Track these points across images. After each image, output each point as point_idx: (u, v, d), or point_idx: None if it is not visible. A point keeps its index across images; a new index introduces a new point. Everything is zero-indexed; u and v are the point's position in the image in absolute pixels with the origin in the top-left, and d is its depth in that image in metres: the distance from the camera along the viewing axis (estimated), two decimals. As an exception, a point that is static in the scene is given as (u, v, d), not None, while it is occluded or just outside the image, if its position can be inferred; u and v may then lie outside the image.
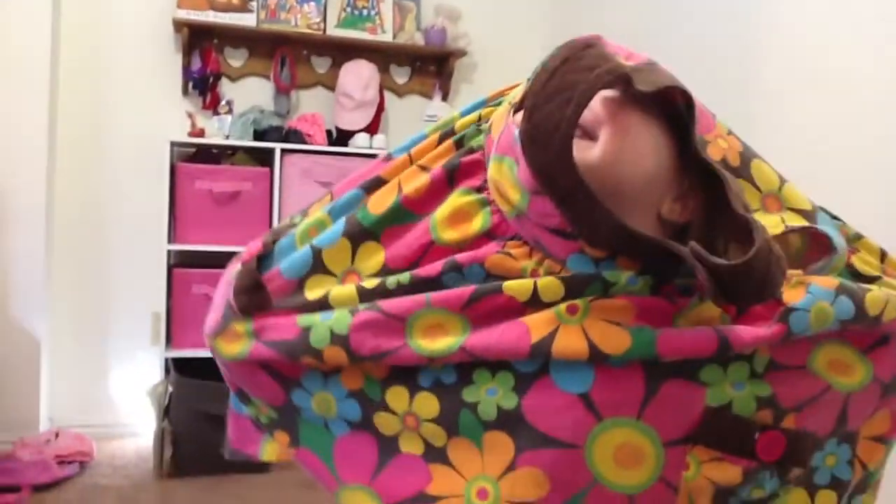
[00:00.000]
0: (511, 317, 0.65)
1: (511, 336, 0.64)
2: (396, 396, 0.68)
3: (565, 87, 0.61)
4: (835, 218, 0.76)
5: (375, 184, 0.76)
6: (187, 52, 3.38)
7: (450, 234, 0.71)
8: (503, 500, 0.63)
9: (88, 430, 3.21)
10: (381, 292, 0.69)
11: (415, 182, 0.74)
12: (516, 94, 0.71)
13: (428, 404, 0.67)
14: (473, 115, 0.78)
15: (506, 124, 0.68)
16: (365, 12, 3.57)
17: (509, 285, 0.65)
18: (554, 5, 3.73)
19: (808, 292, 0.65)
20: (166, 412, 2.97)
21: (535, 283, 0.65)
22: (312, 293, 0.71)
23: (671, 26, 2.84)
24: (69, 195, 3.35)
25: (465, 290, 0.66)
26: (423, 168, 0.75)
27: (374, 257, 0.72)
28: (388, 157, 0.79)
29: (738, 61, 2.49)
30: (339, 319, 0.68)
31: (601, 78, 0.61)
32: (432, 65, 3.75)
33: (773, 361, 0.65)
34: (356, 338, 0.67)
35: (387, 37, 3.58)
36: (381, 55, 3.63)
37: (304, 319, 0.69)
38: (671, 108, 0.68)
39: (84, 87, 3.36)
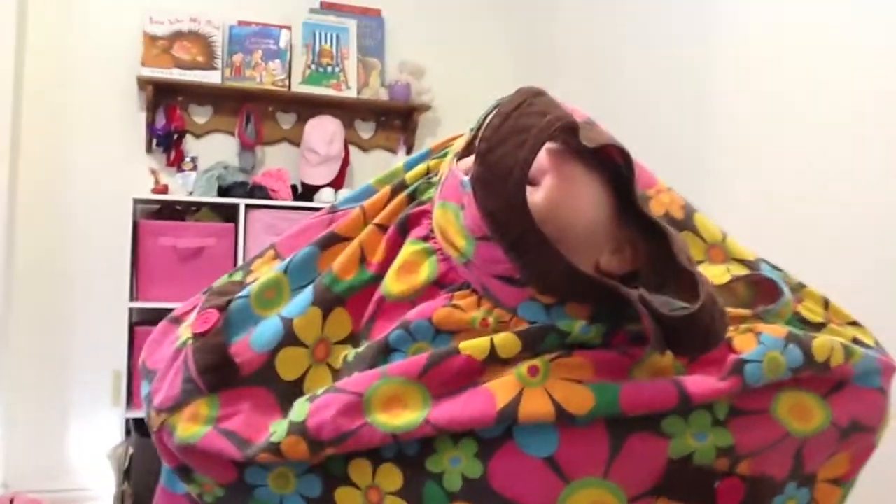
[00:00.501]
0: (471, 377, 0.65)
1: (476, 405, 0.63)
2: (359, 469, 0.66)
3: (519, 130, 0.62)
4: (776, 269, 0.78)
5: (330, 240, 0.74)
6: (152, 109, 3.38)
7: (398, 287, 0.71)
8: None
9: (46, 494, 3.11)
10: (345, 367, 0.70)
11: (377, 246, 0.74)
12: (460, 144, 0.74)
13: (391, 476, 0.65)
14: (422, 167, 0.78)
15: (449, 171, 0.69)
16: (329, 69, 3.61)
17: (465, 346, 0.65)
18: (516, 61, 3.80)
19: (759, 342, 0.67)
20: (126, 474, 2.90)
21: (491, 341, 0.65)
22: (286, 372, 0.68)
23: (627, 85, 2.90)
24: (30, 252, 3.30)
25: (421, 357, 0.65)
26: (381, 227, 0.75)
27: (343, 324, 0.72)
28: (333, 210, 0.78)
29: (691, 119, 2.55)
30: (298, 410, 0.66)
31: (552, 124, 0.62)
32: (397, 119, 3.78)
33: (735, 408, 0.66)
34: (314, 422, 0.64)
35: (351, 93, 3.62)
36: (346, 111, 3.67)
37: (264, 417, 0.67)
38: (610, 165, 0.70)
39: (47, 144, 3.34)
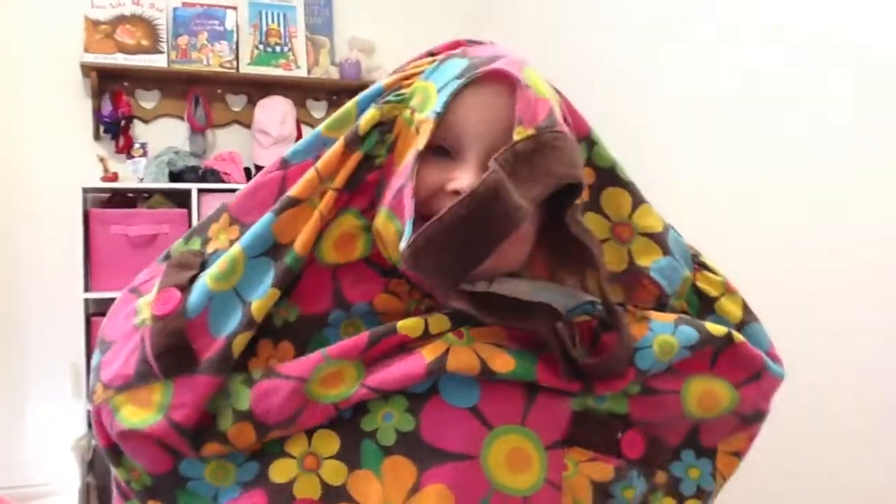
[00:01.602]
0: (404, 348, 0.68)
1: (408, 365, 0.66)
2: (294, 441, 0.67)
3: (462, 243, 0.61)
4: (679, 237, 0.80)
5: (285, 205, 0.69)
6: (97, 95, 3.32)
7: (332, 257, 0.70)
8: None
9: (9, 491, 3.08)
10: (269, 331, 0.69)
11: (331, 213, 0.70)
12: (415, 96, 0.70)
13: (327, 441, 0.67)
14: (373, 113, 0.70)
15: (407, 168, 0.66)
16: (278, 49, 3.57)
17: (403, 325, 0.67)
18: (466, 32, 3.78)
19: (649, 329, 0.71)
20: (91, 466, 2.88)
21: (425, 321, 0.68)
22: (237, 353, 0.66)
23: (579, 62, 2.92)
24: (-23, 247, 3.23)
25: (360, 338, 0.67)
26: (339, 191, 0.70)
27: (283, 301, 0.70)
28: (285, 164, 0.73)
29: (638, 93, 2.58)
30: (237, 396, 0.65)
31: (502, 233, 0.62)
32: (348, 97, 3.67)
33: (647, 387, 0.71)
34: (260, 409, 0.65)
35: (301, 72, 3.58)
36: (297, 90, 3.63)
37: (213, 403, 0.65)
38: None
39: (-11, 136, 3.26)
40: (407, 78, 0.73)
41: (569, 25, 3.03)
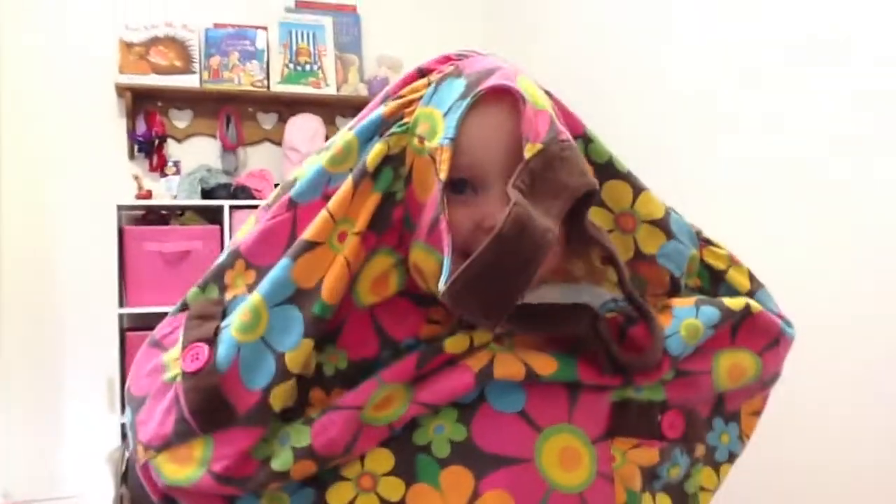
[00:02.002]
0: (451, 364, 0.69)
1: (455, 377, 0.68)
2: (348, 463, 0.67)
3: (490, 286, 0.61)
4: (681, 217, 0.81)
5: (303, 249, 0.67)
6: (131, 115, 3.39)
7: (370, 299, 0.70)
8: None
9: (46, 502, 3.13)
10: (321, 381, 0.69)
11: (359, 256, 0.69)
12: (420, 124, 0.69)
13: (381, 459, 0.68)
14: (380, 148, 0.69)
15: (435, 200, 0.65)
16: (308, 67, 3.62)
17: (449, 343, 0.69)
18: (492, 50, 3.81)
19: (673, 316, 0.74)
20: (124, 478, 2.91)
21: (470, 337, 0.70)
22: (278, 405, 0.65)
23: (608, 77, 2.93)
24: (17, 263, 3.31)
25: (410, 360, 0.68)
26: (360, 235, 0.68)
27: (330, 348, 0.70)
28: (293, 204, 0.71)
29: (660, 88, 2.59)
30: (298, 436, 0.65)
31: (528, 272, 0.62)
32: (377, 115, 3.78)
33: (680, 370, 0.74)
34: (320, 442, 0.64)
35: (331, 90, 3.63)
36: (327, 108, 3.68)
37: (259, 451, 0.65)
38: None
39: (28, 156, 3.34)
40: (407, 105, 0.71)
41: (601, 28, 3.04)
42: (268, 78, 3.56)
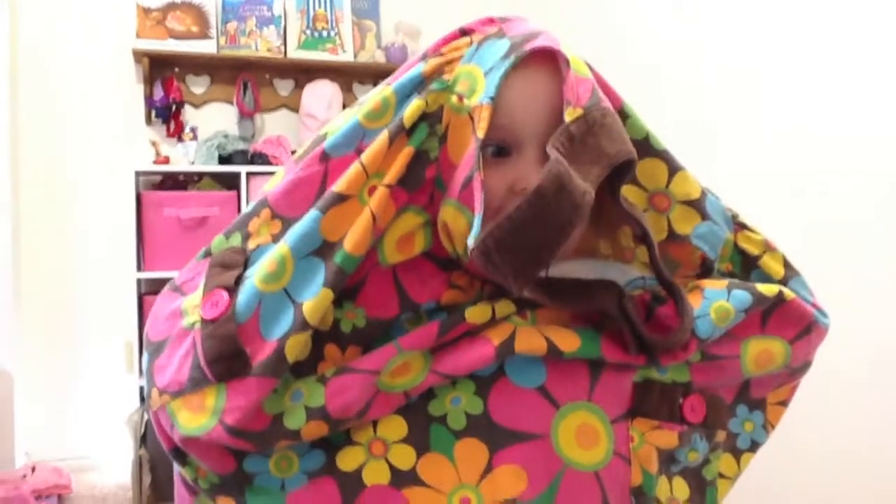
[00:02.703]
0: (471, 335, 0.68)
1: (475, 349, 0.67)
2: (360, 428, 0.67)
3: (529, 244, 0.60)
4: (717, 199, 0.79)
5: (332, 202, 0.66)
6: (149, 81, 3.40)
7: (395, 258, 0.69)
8: (487, 502, 0.65)
9: (66, 462, 3.18)
10: (337, 337, 0.68)
11: (389, 213, 0.67)
12: (459, 82, 0.68)
13: (394, 426, 0.67)
14: (418, 104, 0.68)
15: (471, 158, 0.64)
16: (325, 33, 3.60)
17: (471, 312, 0.68)
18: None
19: (703, 297, 0.72)
20: (143, 440, 2.96)
21: (492, 307, 0.69)
22: (293, 356, 0.64)
23: (630, 61, 2.90)
24: (35, 227, 3.34)
25: (431, 328, 0.67)
26: (390, 188, 0.67)
27: (348, 304, 0.69)
28: (326, 157, 0.70)
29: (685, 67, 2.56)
30: (311, 394, 0.64)
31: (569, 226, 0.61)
32: (394, 82, 3.77)
33: (707, 354, 0.73)
34: (335, 405, 0.64)
35: (348, 56, 3.62)
36: (344, 74, 3.67)
37: (271, 405, 0.64)
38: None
39: (46, 121, 3.35)
40: (447, 63, 0.70)
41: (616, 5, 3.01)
42: (285, 44, 3.55)
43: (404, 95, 0.70)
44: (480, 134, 0.63)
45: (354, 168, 0.67)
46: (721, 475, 0.78)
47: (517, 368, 0.69)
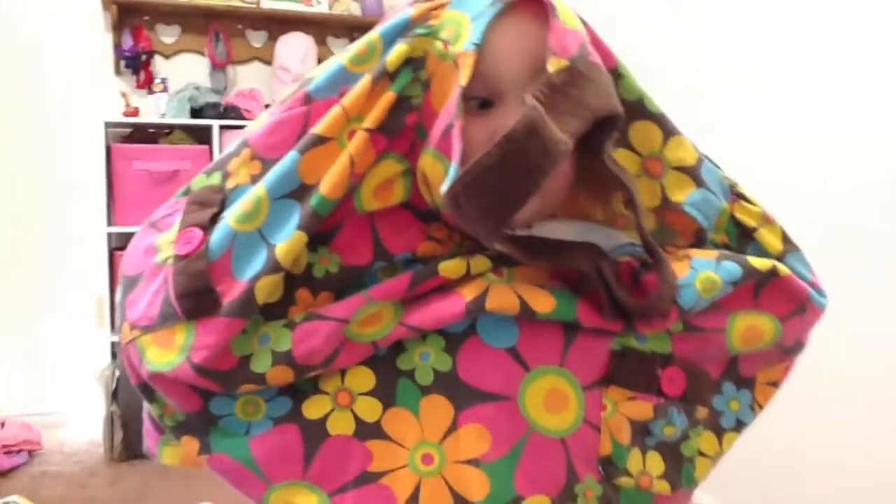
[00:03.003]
0: (444, 290, 0.67)
1: (446, 303, 0.66)
2: (328, 377, 0.66)
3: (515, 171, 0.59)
4: (717, 167, 0.77)
5: (311, 143, 0.66)
6: (118, 29, 3.31)
7: (373, 205, 0.68)
8: (449, 461, 0.65)
9: (36, 418, 3.16)
10: (309, 281, 0.67)
11: (367, 157, 0.66)
12: (445, 28, 0.66)
13: (362, 378, 0.66)
14: (402, 49, 0.67)
15: (452, 106, 0.63)
16: (299, -16, 3.53)
17: (444, 266, 0.66)
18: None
19: (691, 267, 0.70)
20: (114, 396, 2.94)
21: (467, 262, 0.67)
22: (262, 298, 0.64)
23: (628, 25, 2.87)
24: (3, 181, 3.28)
25: (403, 279, 0.66)
26: (369, 132, 0.66)
27: (322, 249, 0.68)
28: (308, 99, 0.69)
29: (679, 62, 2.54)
30: (278, 339, 0.64)
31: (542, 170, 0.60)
32: (370, 35, 3.72)
33: (690, 324, 0.70)
34: (301, 351, 0.63)
35: (322, 8, 3.55)
36: (318, 27, 3.60)
37: (239, 346, 0.63)
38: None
39: (12, 70, 3.27)
40: (435, 8, 0.69)
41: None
42: (258, -6, 3.47)
43: (390, 40, 0.69)
44: (463, 82, 0.62)
45: (335, 111, 0.67)
46: (701, 453, 0.74)
47: (489, 327, 0.67)
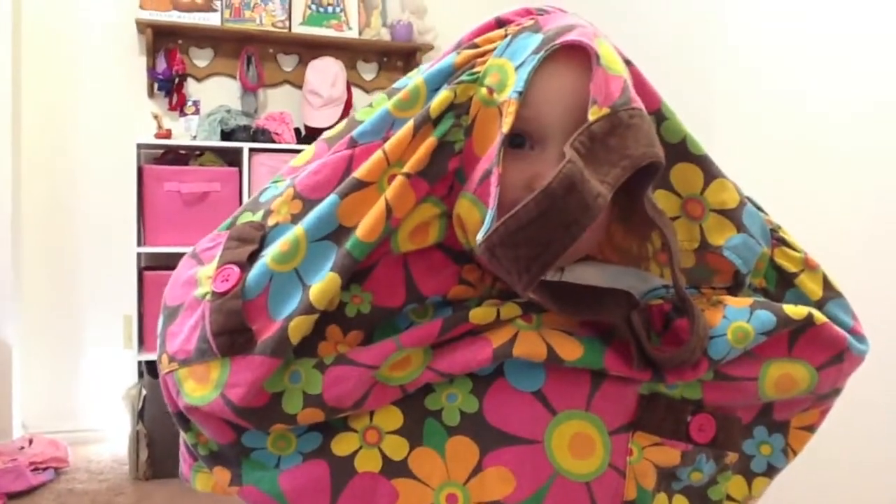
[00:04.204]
0: (472, 334, 0.67)
1: (473, 349, 0.66)
2: (358, 415, 0.67)
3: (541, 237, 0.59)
4: (760, 210, 0.76)
5: (351, 188, 0.67)
6: (152, 53, 3.37)
7: (407, 246, 0.68)
8: (472, 502, 0.65)
9: (63, 435, 3.20)
10: (340, 319, 0.67)
11: (404, 202, 0.66)
12: (490, 74, 0.67)
13: (390, 417, 0.67)
14: (446, 95, 0.67)
15: (493, 152, 0.63)
16: (330, 9, 3.57)
17: (475, 314, 0.67)
18: (519, -2, 3.75)
19: (724, 316, 0.68)
20: (140, 415, 2.96)
21: (497, 310, 0.67)
22: (296, 337, 0.64)
23: (638, 33, 2.87)
24: (36, 200, 3.33)
25: (434, 326, 0.66)
26: (409, 176, 0.66)
27: (355, 288, 0.69)
28: (353, 143, 0.70)
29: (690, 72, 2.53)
30: (309, 380, 0.65)
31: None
32: (399, 60, 3.75)
33: (720, 373, 0.69)
34: (331, 395, 0.64)
35: (353, 33, 3.58)
36: (348, 51, 3.64)
37: (271, 383, 0.64)
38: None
39: (48, 92, 3.33)
40: (480, 55, 0.69)
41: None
42: (289, 19, 3.52)
43: (435, 86, 0.69)
44: (505, 129, 0.62)
45: (377, 155, 0.67)
46: (729, 497, 0.73)
47: (516, 370, 0.67)
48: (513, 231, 0.58)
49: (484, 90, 0.67)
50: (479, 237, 0.59)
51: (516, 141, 0.65)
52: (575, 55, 0.65)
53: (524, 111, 0.63)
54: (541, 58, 0.64)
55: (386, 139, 0.68)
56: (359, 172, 0.67)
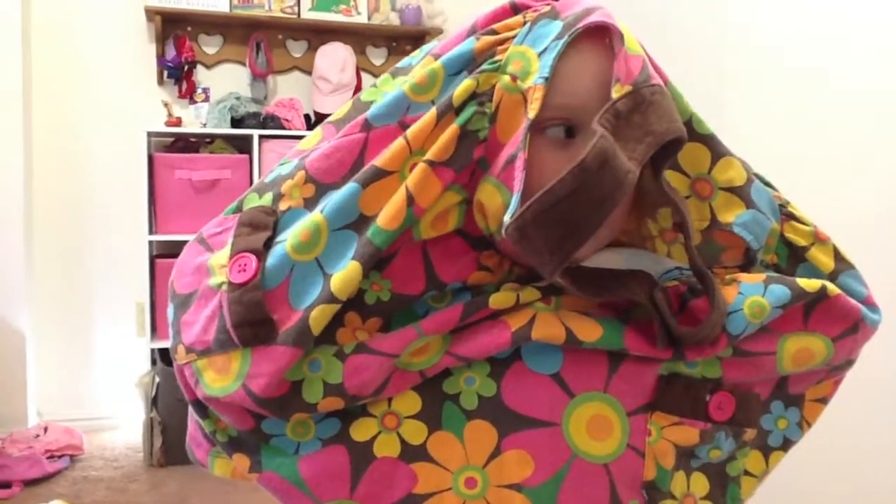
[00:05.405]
0: (490, 319, 0.67)
1: (492, 333, 0.66)
2: (376, 401, 0.67)
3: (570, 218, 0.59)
4: (768, 185, 0.76)
5: (372, 177, 0.65)
6: (161, 40, 3.36)
7: (428, 234, 0.68)
8: (492, 485, 0.65)
9: (77, 423, 3.22)
10: (359, 306, 0.67)
11: (428, 191, 0.65)
12: (512, 62, 0.66)
13: (409, 401, 0.67)
14: (469, 83, 0.66)
15: (518, 138, 0.63)
16: (339, -6, 3.55)
17: (495, 299, 0.66)
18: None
19: (739, 292, 0.68)
20: (154, 402, 2.98)
21: (517, 295, 0.67)
22: (317, 327, 0.63)
23: (658, 15, 2.85)
24: (47, 189, 3.34)
25: (454, 313, 0.66)
26: (432, 164, 0.65)
27: (375, 275, 0.68)
28: (367, 126, 0.68)
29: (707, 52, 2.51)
30: (329, 369, 0.64)
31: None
32: (409, 44, 3.73)
33: (739, 349, 0.69)
34: (352, 384, 0.64)
35: (361, 18, 3.57)
36: (357, 37, 3.62)
37: (292, 373, 0.64)
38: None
39: (58, 80, 3.34)
40: (500, 43, 0.68)
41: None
42: (298, 4, 3.50)
43: (453, 72, 0.68)
44: (531, 114, 0.62)
45: (398, 143, 0.66)
46: (747, 472, 0.74)
47: (533, 353, 0.67)
48: (546, 208, 0.58)
49: (507, 78, 0.66)
50: (507, 219, 0.59)
51: (561, 130, 0.65)
52: (597, 36, 0.65)
53: (552, 98, 0.63)
54: (564, 43, 0.63)
55: (402, 123, 0.67)
56: (380, 160, 0.66)
